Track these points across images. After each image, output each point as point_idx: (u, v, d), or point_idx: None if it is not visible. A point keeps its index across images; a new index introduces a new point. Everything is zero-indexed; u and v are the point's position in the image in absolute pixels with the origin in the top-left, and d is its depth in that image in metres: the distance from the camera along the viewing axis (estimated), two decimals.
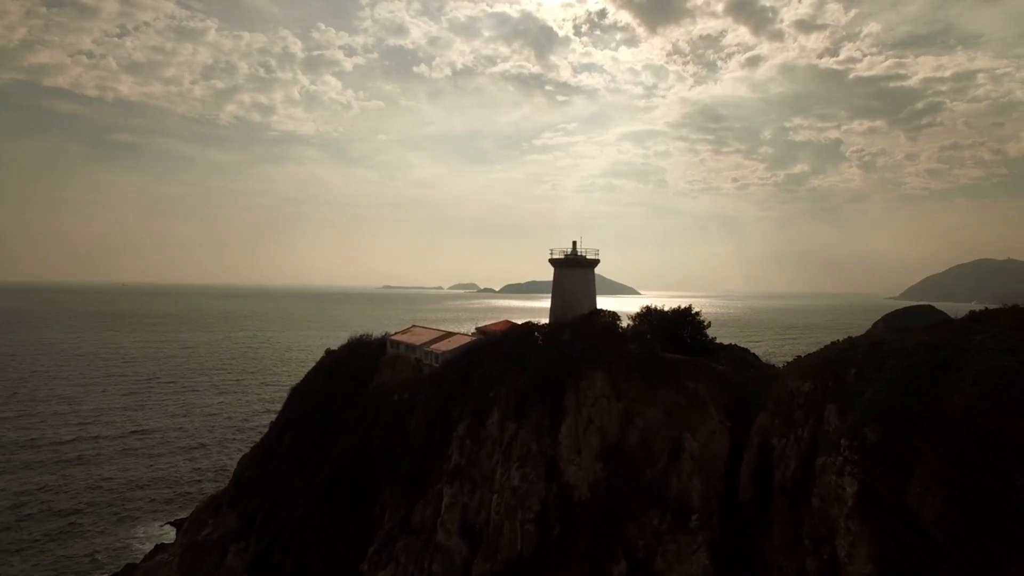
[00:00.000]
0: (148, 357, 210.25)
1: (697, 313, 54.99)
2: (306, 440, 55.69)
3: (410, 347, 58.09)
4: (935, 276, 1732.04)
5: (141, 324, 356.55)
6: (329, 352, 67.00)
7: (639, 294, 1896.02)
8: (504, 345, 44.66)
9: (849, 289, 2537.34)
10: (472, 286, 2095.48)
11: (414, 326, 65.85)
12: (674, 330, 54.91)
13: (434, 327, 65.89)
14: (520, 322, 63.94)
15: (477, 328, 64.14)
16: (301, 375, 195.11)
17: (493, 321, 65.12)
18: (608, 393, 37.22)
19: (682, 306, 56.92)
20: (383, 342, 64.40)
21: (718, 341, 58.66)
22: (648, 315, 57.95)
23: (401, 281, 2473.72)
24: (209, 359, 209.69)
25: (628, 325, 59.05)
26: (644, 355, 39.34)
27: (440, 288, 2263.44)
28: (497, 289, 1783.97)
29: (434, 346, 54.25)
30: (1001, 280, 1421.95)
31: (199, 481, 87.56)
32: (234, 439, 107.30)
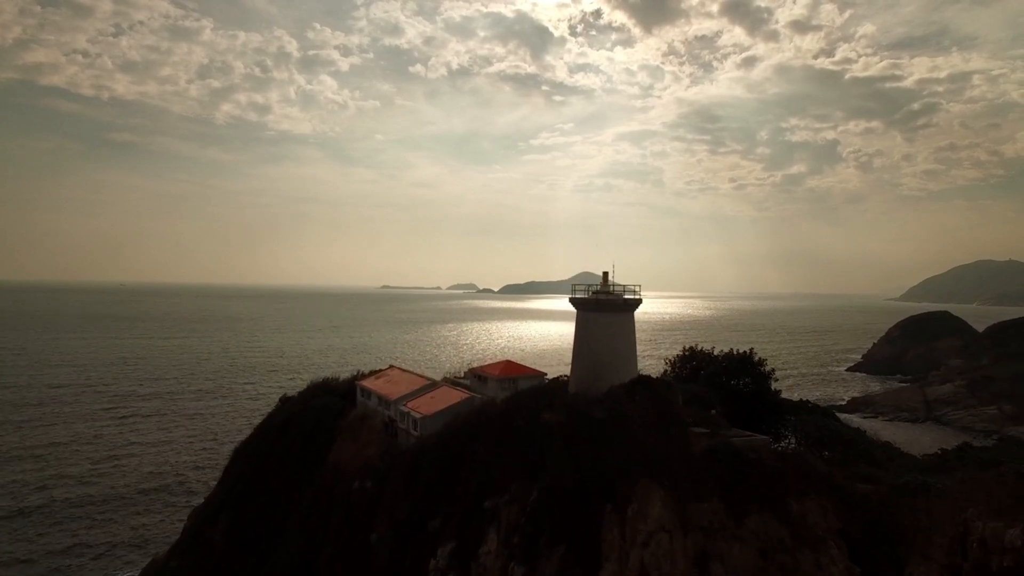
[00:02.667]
0: (130, 366, 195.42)
1: (761, 361, 41.65)
2: (243, 527, 42.18)
3: (383, 400, 44.63)
4: (936, 277, 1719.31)
5: (131, 328, 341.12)
6: (284, 401, 53.26)
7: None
8: (506, 425, 31.00)
9: (848, 290, 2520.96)
10: (471, 286, 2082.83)
11: (392, 367, 52.25)
12: (729, 380, 41.75)
13: (416, 371, 52.34)
14: (524, 365, 50.46)
15: (470, 370, 50.71)
16: (289, 388, 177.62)
17: (491, 362, 51.46)
18: (670, 523, 23.77)
19: (737, 350, 43.70)
20: (352, 386, 50.87)
21: (768, 381, 45.18)
22: (692, 359, 44.73)
23: (400, 281, 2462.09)
24: (195, 369, 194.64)
25: (666, 372, 45.76)
26: (721, 454, 25.77)
27: (439, 288, 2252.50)
28: (496, 290, 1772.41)
29: (412, 404, 40.75)
30: (1002, 281, 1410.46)
31: (144, 543, 73.23)
32: (200, 479, 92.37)
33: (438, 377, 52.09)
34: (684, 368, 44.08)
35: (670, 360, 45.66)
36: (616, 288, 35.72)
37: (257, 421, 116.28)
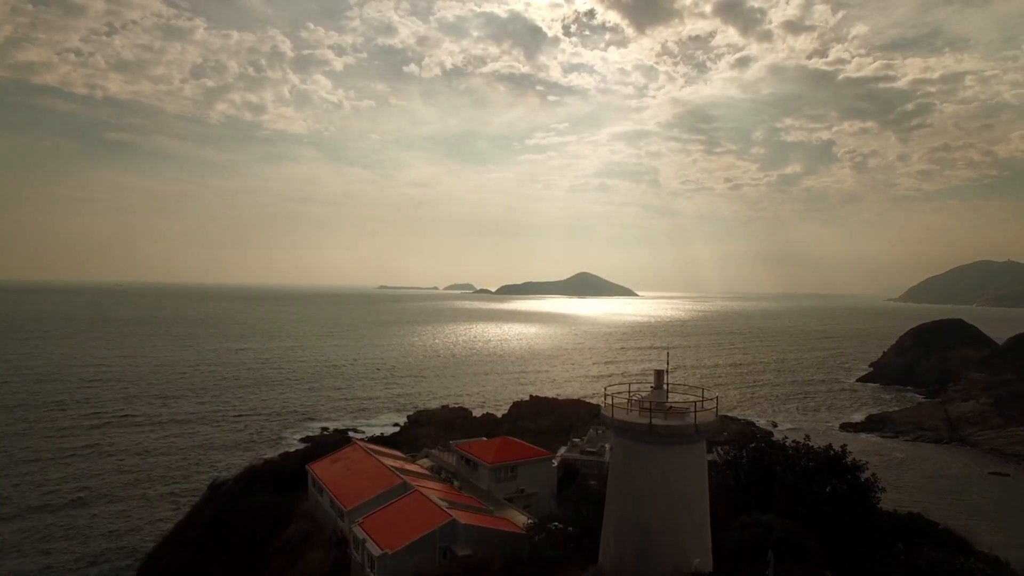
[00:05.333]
0: (106, 381, 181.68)
1: (856, 463, 30.12)
2: None
3: (335, 505, 33.21)
4: (936, 278, 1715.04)
5: (118, 334, 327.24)
6: (214, 490, 41.62)
7: (637, 295, 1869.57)
8: None
9: (846, 290, 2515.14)
10: (468, 286, 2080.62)
11: (355, 445, 40.63)
12: (811, 486, 30.36)
13: (386, 451, 40.51)
14: (525, 443, 39.05)
15: (458, 448, 39.37)
16: (272, 404, 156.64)
17: (477, 439, 40.09)
18: None
19: (809, 441, 32.24)
20: (303, 469, 39.35)
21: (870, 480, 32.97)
22: (758, 454, 32.97)
23: (397, 281, 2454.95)
24: (175, 386, 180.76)
25: (719, 461, 34.43)
26: None
27: (436, 288, 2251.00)
28: (493, 290, 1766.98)
29: (370, 523, 29.27)
30: (1002, 282, 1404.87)
31: None
32: (139, 549, 76.20)
33: (417, 403, 40.76)
34: (746, 464, 32.22)
35: (722, 453, 34.17)
36: (673, 395, 22.40)
37: (230, 463, 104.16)
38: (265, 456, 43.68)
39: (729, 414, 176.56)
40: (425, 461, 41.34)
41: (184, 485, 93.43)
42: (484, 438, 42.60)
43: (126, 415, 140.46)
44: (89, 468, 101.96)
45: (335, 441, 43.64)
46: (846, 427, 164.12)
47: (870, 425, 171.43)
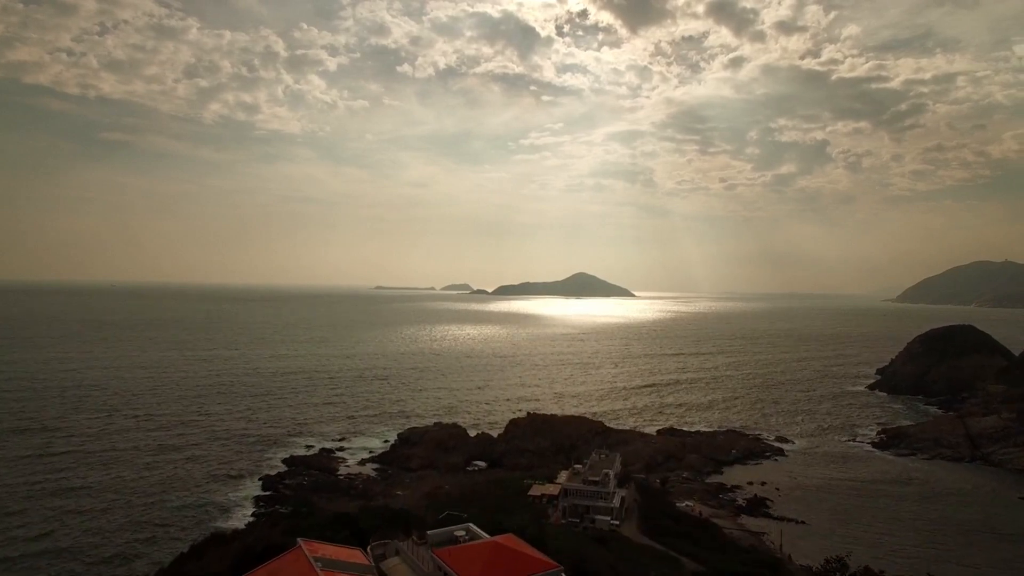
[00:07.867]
0: (85, 391, 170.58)
1: None
2: None
3: None
4: (934, 278, 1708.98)
5: (108, 337, 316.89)
6: None
7: (634, 295, 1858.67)
8: None
9: (843, 290, 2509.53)
10: (465, 287, 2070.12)
11: (298, 548, 30.76)
12: None
13: (340, 554, 30.80)
14: (524, 551, 29.51)
15: (434, 552, 29.81)
16: (261, 417, 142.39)
17: (464, 526, 30.52)
18: None
19: None
20: None
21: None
22: None
23: (394, 281, 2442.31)
24: (159, 395, 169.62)
25: None
26: None
27: (433, 289, 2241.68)
28: (490, 291, 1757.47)
29: None
30: (1000, 282, 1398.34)
31: None
32: None
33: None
34: None
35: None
36: None
37: (202, 501, 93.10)
38: (193, 543, 34.49)
39: (735, 429, 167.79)
40: (395, 562, 31.83)
41: (139, 540, 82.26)
42: (471, 525, 33.07)
43: (102, 434, 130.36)
44: (47, 506, 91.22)
45: (280, 536, 33.89)
46: (861, 444, 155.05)
47: (886, 442, 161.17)
